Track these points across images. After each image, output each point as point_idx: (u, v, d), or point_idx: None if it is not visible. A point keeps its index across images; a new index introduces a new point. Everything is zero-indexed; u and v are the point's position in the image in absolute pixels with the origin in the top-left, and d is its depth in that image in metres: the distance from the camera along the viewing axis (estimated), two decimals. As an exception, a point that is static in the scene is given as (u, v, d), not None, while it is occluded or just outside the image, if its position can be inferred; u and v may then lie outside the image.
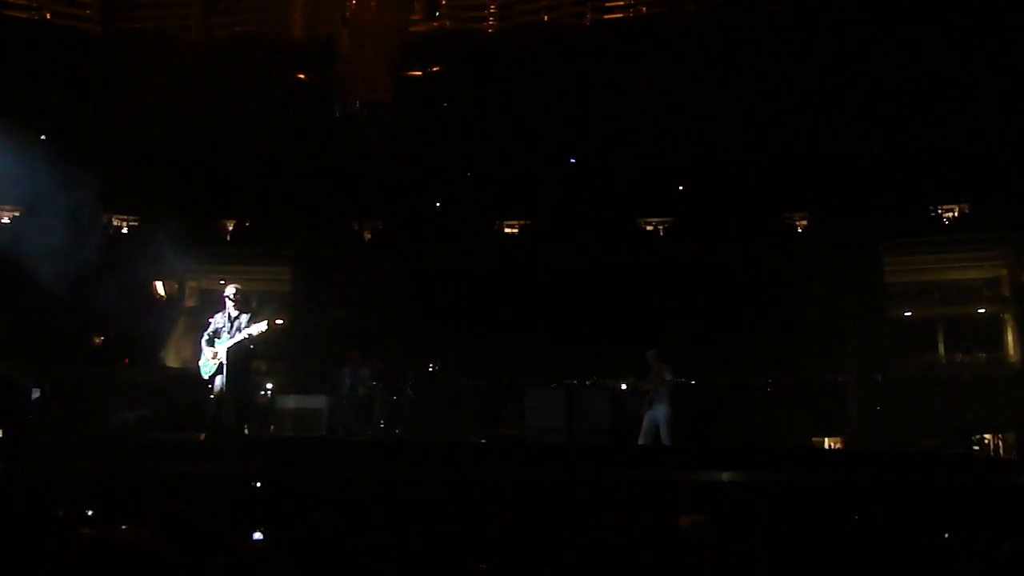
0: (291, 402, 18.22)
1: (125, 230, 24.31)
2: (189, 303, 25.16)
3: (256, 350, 14.20)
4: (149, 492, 11.84)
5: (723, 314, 21.85)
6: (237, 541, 4.61)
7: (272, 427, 17.88)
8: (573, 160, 24.00)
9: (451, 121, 22.27)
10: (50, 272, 18.30)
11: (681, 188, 24.24)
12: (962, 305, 23.64)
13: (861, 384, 21.98)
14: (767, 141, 21.82)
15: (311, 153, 22.39)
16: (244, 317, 13.92)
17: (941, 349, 23.49)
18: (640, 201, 24.36)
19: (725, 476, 11.80)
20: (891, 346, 23.05)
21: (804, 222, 23.64)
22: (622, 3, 20.82)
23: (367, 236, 25.36)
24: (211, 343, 13.90)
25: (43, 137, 21.56)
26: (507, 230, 25.07)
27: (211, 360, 13.82)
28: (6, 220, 22.55)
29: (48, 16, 21.90)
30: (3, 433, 16.97)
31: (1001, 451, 17.54)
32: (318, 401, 18.01)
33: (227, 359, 13.66)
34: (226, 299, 14.07)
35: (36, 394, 18.04)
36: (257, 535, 4.69)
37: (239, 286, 14.46)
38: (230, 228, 25.28)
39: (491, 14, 21.78)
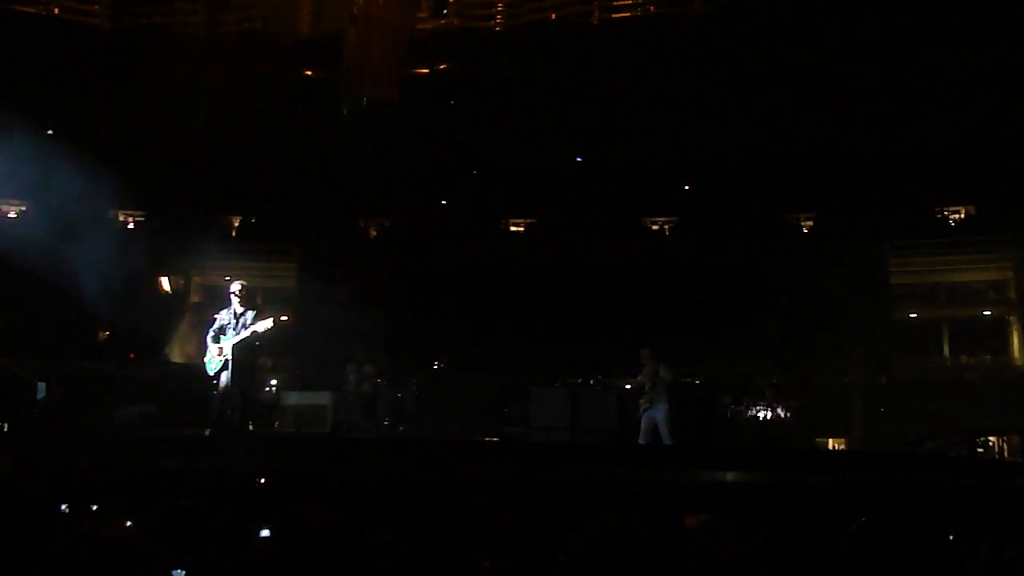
0: (296, 399, 18.21)
1: (131, 225, 24.34)
2: (195, 299, 25.22)
3: (261, 346, 14.21)
4: (153, 488, 11.86)
5: (728, 314, 21.84)
6: (241, 537, 4.61)
7: (276, 423, 17.88)
8: (579, 159, 24.00)
9: (457, 119, 22.26)
10: (56, 267, 18.33)
11: (687, 188, 24.24)
12: (967, 307, 23.65)
13: (865, 385, 21.97)
14: (773, 141, 21.80)
15: (318, 150, 22.40)
16: (250, 314, 13.93)
17: (946, 351, 23.50)
18: (646, 200, 24.38)
19: (730, 476, 11.79)
20: (896, 347, 23.05)
21: (810, 222, 23.64)
22: (630, 2, 20.78)
23: (373, 233, 25.39)
24: (217, 340, 13.90)
25: (50, 132, 21.60)
26: (513, 228, 25.09)
27: (217, 357, 13.83)
28: (12, 215, 22.58)
29: (56, 12, 21.89)
30: (8, 428, 17.01)
31: (1006, 453, 17.52)
32: (322, 398, 18.00)
33: (233, 356, 13.67)
34: (232, 295, 14.08)
35: (42, 389, 18.07)
36: (264, 532, 4.70)
37: (245, 283, 14.49)
38: (236, 224, 25.32)
39: (498, 12, 21.75)
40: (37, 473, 11.99)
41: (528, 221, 25.07)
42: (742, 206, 22.80)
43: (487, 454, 14.70)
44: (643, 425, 16.91)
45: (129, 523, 5.29)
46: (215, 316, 14.23)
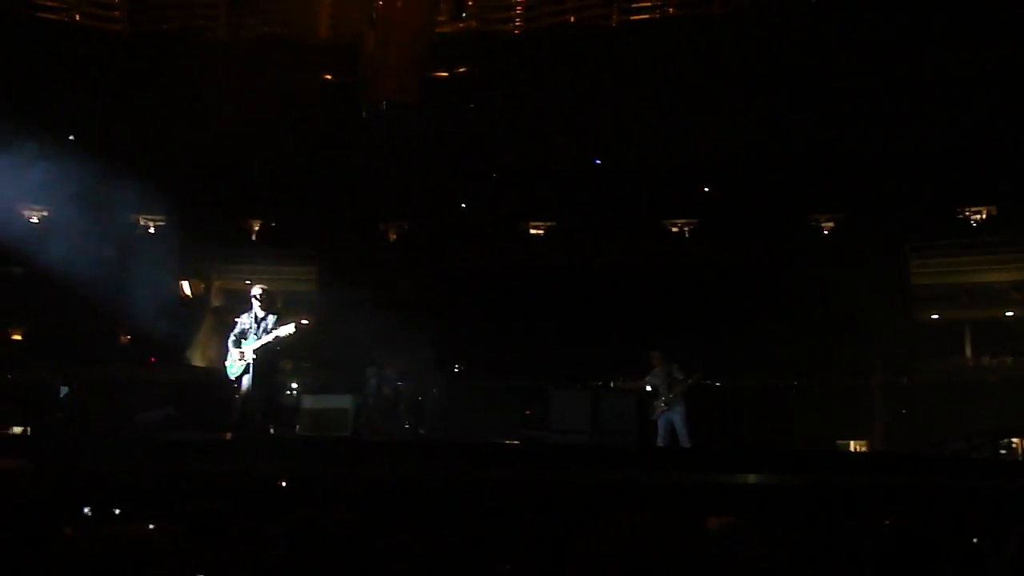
0: (317, 402, 18.24)
1: (152, 230, 24.42)
2: (216, 303, 25.29)
3: (282, 350, 14.22)
4: (175, 491, 11.89)
5: (748, 316, 21.78)
6: (263, 539, 4.62)
7: (297, 427, 17.92)
8: (598, 161, 23.97)
9: (477, 122, 22.27)
10: (77, 272, 18.41)
11: (706, 189, 24.19)
12: (989, 308, 23.53)
13: (887, 387, 21.86)
14: (792, 142, 21.74)
15: (337, 154, 22.44)
16: (271, 318, 13.94)
17: (968, 352, 23.37)
18: (665, 202, 24.34)
19: (752, 478, 11.75)
20: (917, 349, 22.94)
21: (830, 224, 23.56)
22: (649, 3, 20.74)
23: (393, 236, 25.42)
24: (238, 344, 13.92)
25: (71, 138, 21.70)
26: (532, 231, 25.08)
27: (238, 361, 13.85)
28: (35, 220, 22.68)
29: (77, 17, 21.99)
30: (31, 431, 17.10)
31: (1029, 454, 17.44)
32: (343, 401, 18.02)
33: (254, 360, 13.69)
34: (253, 300, 14.09)
35: (64, 392, 18.16)
36: (281, 534, 4.71)
37: (265, 287, 14.50)
38: (256, 228, 25.39)
39: (517, 15, 21.74)
40: (50, 477, 12.05)
41: (547, 224, 25.06)
42: (762, 208, 22.75)
43: (507, 457, 14.68)
44: (660, 428, 16.89)
45: (151, 526, 5.30)
46: (236, 320, 14.25)
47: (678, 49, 20.33)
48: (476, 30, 21.91)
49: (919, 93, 20.15)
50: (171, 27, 22.28)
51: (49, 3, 21.94)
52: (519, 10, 21.65)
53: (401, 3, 20.13)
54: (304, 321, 14.12)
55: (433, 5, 20.95)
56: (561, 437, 17.60)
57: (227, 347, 14.11)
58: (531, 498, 11.04)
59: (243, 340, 13.88)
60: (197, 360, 22.64)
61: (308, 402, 18.40)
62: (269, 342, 13.72)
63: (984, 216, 22.88)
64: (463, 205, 24.87)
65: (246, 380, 13.75)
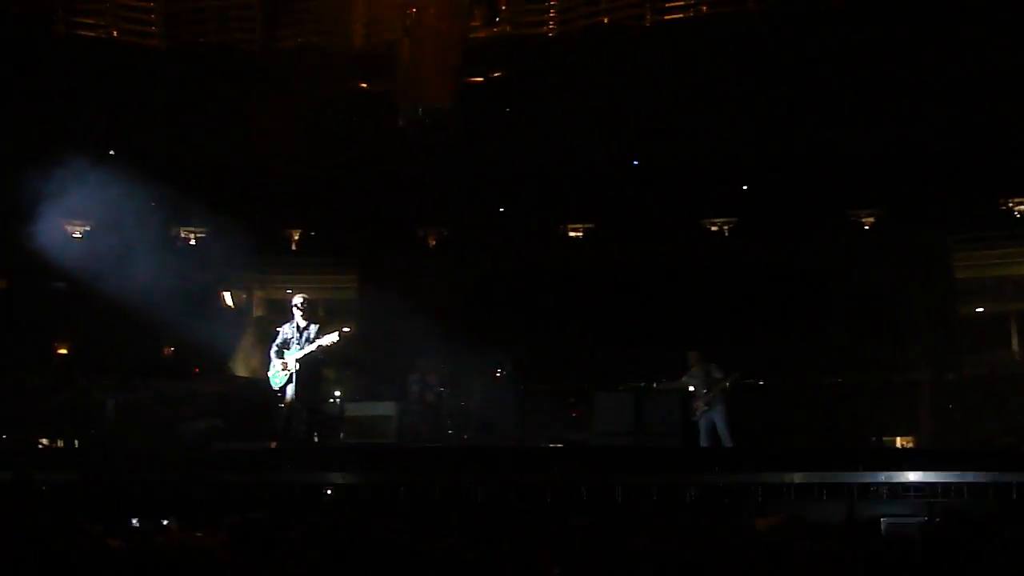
0: (360, 409, 18.26)
1: (193, 242, 24.58)
2: (258, 313, 25.42)
3: (325, 359, 14.25)
4: (221, 500, 11.96)
5: (791, 313, 21.65)
6: (310, 547, 4.63)
7: (341, 435, 17.95)
8: (636, 162, 23.92)
9: (513, 126, 22.29)
10: (121, 286, 18.55)
11: (745, 188, 24.07)
12: (1035, 300, 23.29)
13: (933, 382, 21.65)
14: (832, 139, 21.60)
15: (375, 161, 22.51)
16: (313, 328, 13.95)
17: (1014, 345, 23.12)
18: (704, 202, 24.24)
19: (798, 478, 11.67)
20: (963, 343, 22.72)
21: (871, 219, 23.39)
22: (682, 3, 20.71)
23: (432, 242, 25.46)
24: (280, 354, 13.94)
25: (111, 152, 21.89)
26: (571, 234, 25.05)
27: (281, 372, 13.87)
28: (78, 235, 22.89)
29: (115, 34, 22.23)
30: (78, 444, 17.25)
31: (1079, 448, 17.21)
32: (387, 408, 18.03)
33: (297, 369, 13.72)
34: (294, 309, 14.12)
35: (110, 406, 18.30)
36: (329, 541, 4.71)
37: (306, 296, 14.53)
38: (296, 238, 25.50)
39: (551, 18, 21.77)
40: (98, 489, 12.14)
41: (587, 226, 25.01)
42: (801, 205, 22.61)
43: (552, 460, 14.65)
44: (702, 428, 16.80)
45: (198, 535, 5.33)
46: (278, 330, 14.29)
47: (713, 47, 20.28)
48: (510, 34, 21.96)
49: (957, 86, 19.99)
50: (208, 41, 22.47)
51: (87, 20, 22.19)
52: (552, 13, 21.67)
53: (434, 10, 20.21)
54: (346, 329, 14.15)
55: (466, 11, 21.01)
56: (605, 439, 17.53)
57: (269, 357, 14.15)
58: (577, 501, 11.02)
59: (285, 350, 13.90)
60: (240, 370, 22.75)
61: (352, 410, 18.42)
62: (313, 351, 13.75)
63: (1028, 207, 22.65)
64: (501, 210, 24.87)
65: (290, 389, 13.79)
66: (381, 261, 25.16)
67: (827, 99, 20.67)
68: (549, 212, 24.53)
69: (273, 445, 14.14)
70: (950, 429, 20.22)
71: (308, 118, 22.03)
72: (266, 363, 14.36)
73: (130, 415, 18.15)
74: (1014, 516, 9.31)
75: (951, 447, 18.94)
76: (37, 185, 18.67)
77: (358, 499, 11.76)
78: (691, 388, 17.34)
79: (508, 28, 22.00)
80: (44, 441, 19.13)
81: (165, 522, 8.12)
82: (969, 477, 10.96)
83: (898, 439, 20.53)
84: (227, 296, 24.99)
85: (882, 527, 8.25)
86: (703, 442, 16.52)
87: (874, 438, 19.81)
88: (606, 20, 21.24)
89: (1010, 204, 22.70)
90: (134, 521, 8.68)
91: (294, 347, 13.83)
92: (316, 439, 14.96)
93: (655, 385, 19.39)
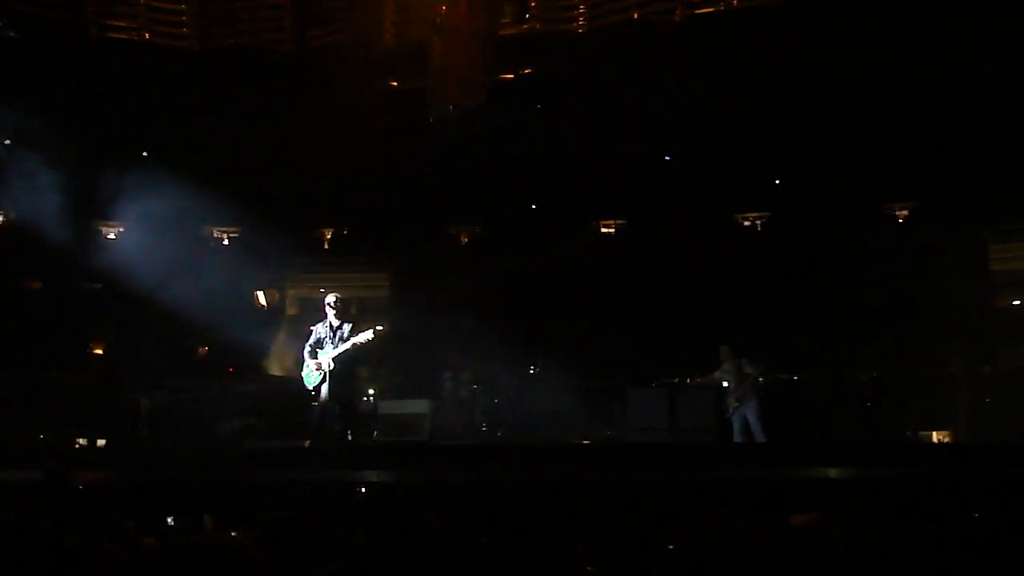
0: (394, 408, 18.30)
1: (226, 242, 24.70)
2: (291, 312, 25.51)
3: (359, 357, 14.28)
4: (256, 499, 12.01)
5: (824, 308, 21.54)
6: (347, 547, 4.63)
7: (375, 433, 18.01)
8: (668, 157, 23.85)
9: (545, 122, 22.27)
10: (154, 286, 18.68)
11: (777, 182, 23.95)
12: (1074, 292, 23.04)
13: (969, 376, 21.47)
14: (865, 131, 21.46)
15: (406, 159, 22.53)
16: (347, 327, 13.99)
17: (1053, 338, 22.89)
18: (737, 196, 24.14)
19: (833, 473, 11.61)
20: (1000, 336, 22.51)
21: (904, 212, 23.23)
22: (713, -4, 20.63)
23: (464, 240, 25.47)
24: (314, 354, 13.99)
25: (144, 154, 22.04)
26: (603, 230, 25.00)
27: (315, 372, 13.92)
28: (112, 236, 23.04)
29: (147, 36, 22.36)
30: (114, 443, 17.38)
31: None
32: (420, 406, 18.06)
33: (332, 368, 13.76)
34: (327, 308, 14.17)
35: (145, 405, 18.42)
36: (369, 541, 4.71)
37: (339, 294, 14.57)
38: (328, 237, 25.57)
39: (580, 14, 21.71)
40: (143, 488, 12.23)
41: (619, 222, 24.95)
42: (834, 198, 22.47)
43: (586, 456, 14.64)
44: (735, 424, 16.78)
45: (234, 533, 5.34)
46: (311, 329, 14.35)
47: (744, 41, 20.19)
48: (540, 31, 21.92)
49: (991, 76, 19.81)
50: (239, 41, 22.55)
51: (120, 23, 22.32)
52: (582, 9, 21.61)
53: (465, 7, 20.20)
54: (379, 327, 14.16)
55: (496, 8, 20.99)
56: (639, 435, 17.52)
57: (303, 356, 14.20)
58: (612, 498, 10.99)
59: (319, 350, 13.96)
60: (274, 369, 22.84)
61: (385, 408, 18.47)
62: (347, 349, 13.78)
63: (1065, 197, 22.38)
64: (533, 206, 24.85)
65: (324, 388, 13.83)
66: (413, 259, 25.19)
67: (860, 91, 20.51)
68: (581, 208, 24.47)
69: (307, 444, 14.21)
70: (987, 423, 20.06)
71: (339, 117, 22.10)
72: (300, 362, 14.42)
73: (165, 415, 18.27)
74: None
75: (989, 442, 18.81)
76: (70, 187, 18.82)
77: (393, 497, 11.79)
78: (724, 383, 17.32)
79: (538, 25, 21.92)
80: (81, 441, 19.29)
81: (200, 521, 8.15)
82: (1009, 472, 10.88)
83: (934, 433, 20.39)
84: (260, 295, 25.10)
85: (919, 524, 8.19)
86: (736, 438, 16.49)
87: (909, 432, 19.69)
88: (636, 15, 21.12)
89: (1046, 195, 22.48)
90: (169, 520, 8.73)
91: (328, 346, 13.89)
92: (350, 437, 15.01)
93: (688, 381, 19.36)
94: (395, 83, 21.98)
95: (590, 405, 19.65)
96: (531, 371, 20.88)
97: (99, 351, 23.59)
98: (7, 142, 20.78)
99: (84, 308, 23.09)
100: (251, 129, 22.23)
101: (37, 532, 3.15)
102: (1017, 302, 23.11)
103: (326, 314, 14.14)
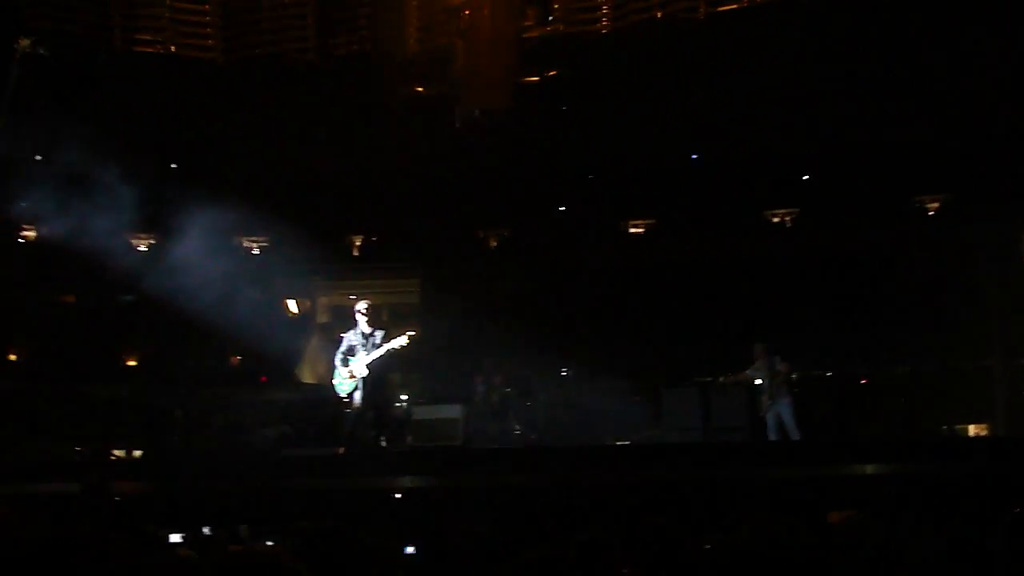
0: (426, 413, 18.31)
1: (256, 251, 24.78)
2: (322, 320, 25.58)
3: (391, 363, 14.28)
4: (291, 507, 12.04)
5: (857, 303, 21.43)
6: (386, 554, 4.63)
7: (409, 438, 18.03)
8: (695, 156, 23.79)
9: (570, 124, 22.25)
10: (187, 296, 18.76)
11: (806, 178, 23.84)
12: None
13: (1005, 369, 21.31)
14: (894, 124, 21.32)
15: (433, 165, 22.56)
16: (379, 333, 13.99)
17: (1091, 328, 22.68)
18: (765, 193, 24.04)
19: (870, 469, 11.55)
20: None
21: (936, 204, 23.06)
22: (736, -7, 20.55)
23: (493, 244, 25.46)
24: (346, 362, 13.98)
25: (173, 166, 22.17)
26: (632, 230, 24.93)
27: (348, 379, 13.91)
28: (143, 248, 23.17)
29: (173, 49, 22.53)
30: (149, 454, 17.48)
31: None
32: (453, 411, 18.06)
33: (365, 375, 13.76)
34: (358, 315, 14.18)
35: (180, 415, 18.51)
36: (409, 549, 4.72)
37: (370, 301, 14.58)
38: (358, 244, 25.62)
39: (604, 15, 21.68)
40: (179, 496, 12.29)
41: (647, 222, 24.88)
42: (864, 193, 22.33)
43: (621, 458, 14.61)
44: (769, 422, 16.69)
45: (270, 543, 5.35)
46: (342, 336, 14.35)
47: (769, 37, 20.11)
48: (563, 33, 21.90)
49: (1021, 67, 19.64)
50: (264, 52, 22.67)
51: (146, 37, 22.48)
52: (606, 9, 21.58)
53: (488, 12, 20.21)
54: (411, 333, 14.17)
55: (519, 11, 21.00)
56: (673, 435, 17.48)
57: (335, 364, 14.21)
58: (646, 498, 10.97)
59: (351, 357, 13.96)
60: (306, 377, 22.91)
61: (418, 413, 18.48)
62: (382, 355, 13.78)
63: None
64: (561, 208, 24.83)
65: (357, 395, 13.84)
66: (443, 264, 25.22)
67: (888, 84, 20.40)
68: (609, 209, 24.43)
69: (341, 451, 14.22)
70: (1024, 416, 19.91)
71: (365, 125, 22.15)
72: (331, 370, 14.44)
73: (199, 425, 18.36)
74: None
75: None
76: (101, 200, 18.94)
77: (428, 503, 11.81)
78: (757, 381, 17.26)
79: (561, 27, 21.92)
80: (117, 452, 19.40)
81: (236, 530, 8.18)
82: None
83: (971, 427, 20.22)
84: (291, 304, 25.18)
85: (958, 519, 8.14)
86: (771, 436, 16.42)
87: (946, 427, 19.54)
88: (659, 14, 21.07)
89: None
90: (205, 530, 8.77)
91: (360, 353, 13.88)
92: (384, 444, 15.02)
93: (720, 379, 19.30)
94: (420, 89, 22.02)
95: (623, 406, 19.61)
96: (563, 373, 20.85)
97: (133, 363, 23.72)
98: (38, 157, 20.96)
99: (117, 320, 23.24)
100: (277, 139, 22.34)
101: (75, 544, 3.16)
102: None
103: (357, 321, 14.14)
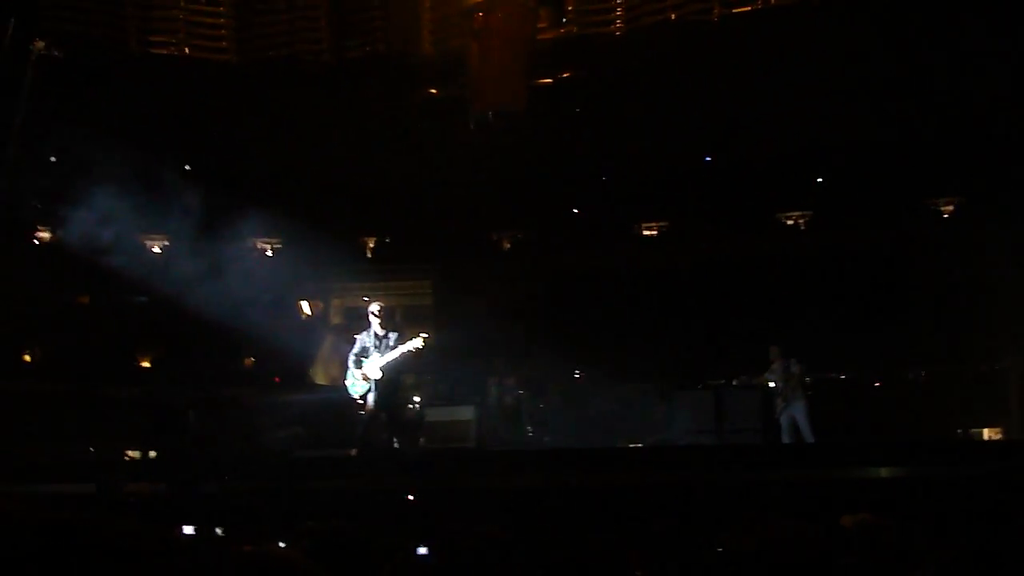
0: (439, 414, 18.33)
1: (270, 253, 24.83)
2: (335, 321, 25.61)
3: (404, 365, 14.27)
4: (305, 509, 12.05)
5: (871, 306, 21.37)
6: (399, 555, 4.63)
7: (422, 440, 18.03)
8: (708, 158, 23.77)
9: (584, 126, 22.26)
10: (200, 297, 18.80)
11: (819, 180, 23.81)
12: None
13: (1020, 371, 21.21)
14: (906, 127, 21.28)
15: (447, 167, 22.58)
16: (392, 335, 13.97)
17: (1108, 330, 22.58)
18: (778, 195, 24.01)
19: (884, 472, 11.52)
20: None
21: (950, 207, 22.99)
22: (750, -5, 20.52)
23: (507, 246, 25.47)
24: (359, 364, 13.96)
25: (187, 168, 22.22)
26: (645, 232, 24.92)
27: (361, 381, 13.90)
28: (157, 249, 23.23)
29: (187, 51, 22.59)
30: (162, 455, 17.51)
31: None
32: (466, 412, 18.07)
33: (379, 377, 13.75)
34: (371, 316, 14.17)
35: (193, 417, 18.54)
36: (421, 550, 4.71)
37: (382, 303, 14.58)
38: (371, 245, 25.65)
39: (617, 16, 21.67)
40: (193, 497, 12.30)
41: (660, 224, 24.88)
42: (878, 195, 22.28)
43: (634, 460, 14.60)
44: (783, 424, 16.67)
45: (282, 544, 5.35)
46: (355, 338, 14.35)
47: (782, 39, 20.10)
48: (577, 34, 21.90)
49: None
50: (278, 54, 22.71)
51: (160, 39, 22.55)
52: (619, 11, 21.57)
53: (502, 14, 20.21)
54: (425, 335, 14.16)
55: (533, 13, 20.99)
56: (686, 438, 17.47)
57: (348, 366, 14.21)
58: (659, 501, 10.95)
59: (364, 359, 13.94)
60: (319, 379, 22.95)
61: (431, 415, 18.50)
62: (396, 358, 13.77)
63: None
64: (575, 210, 24.84)
65: (370, 397, 13.84)
66: (456, 266, 25.24)
67: (900, 86, 20.37)
68: (622, 211, 24.43)
69: (354, 452, 14.22)
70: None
71: (379, 126, 22.19)
72: (345, 372, 14.44)
73: (212, 426, 18.37)
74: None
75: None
76: (116, 201, 18.98)
77: (441, 504, 11.80)
78: (771, 384, 17.24)
79: (575, 28, 21.91)
80: (130, 453, 19.44)
81: (248, 531, 8.19)
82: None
83: (986, 431, 20.14)
84: (305, 305, 25.21)
85: (972, 523, 8.11)
86: (785, 438, 16.40)
87: (960, 430, 19.47)
88: (673, 16, 21.06)
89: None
90: (218, 530, 8.78)
91: (373, 355, 13.87)
92: (396, 445, 15.03)
93: (734, 382, 19.28)
94: (434, 91, 22.04)
95: (636, 408, 19.60)
96: (576, 376, 20.84)
97: (146, 364, 23.77)
98: (52, 158, 21.03)
99: (131, 322, 23.29)
100: (291, 140, 22.38)
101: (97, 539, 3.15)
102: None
103: (370, 323, 14.13)
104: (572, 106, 22.17)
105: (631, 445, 18.00)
